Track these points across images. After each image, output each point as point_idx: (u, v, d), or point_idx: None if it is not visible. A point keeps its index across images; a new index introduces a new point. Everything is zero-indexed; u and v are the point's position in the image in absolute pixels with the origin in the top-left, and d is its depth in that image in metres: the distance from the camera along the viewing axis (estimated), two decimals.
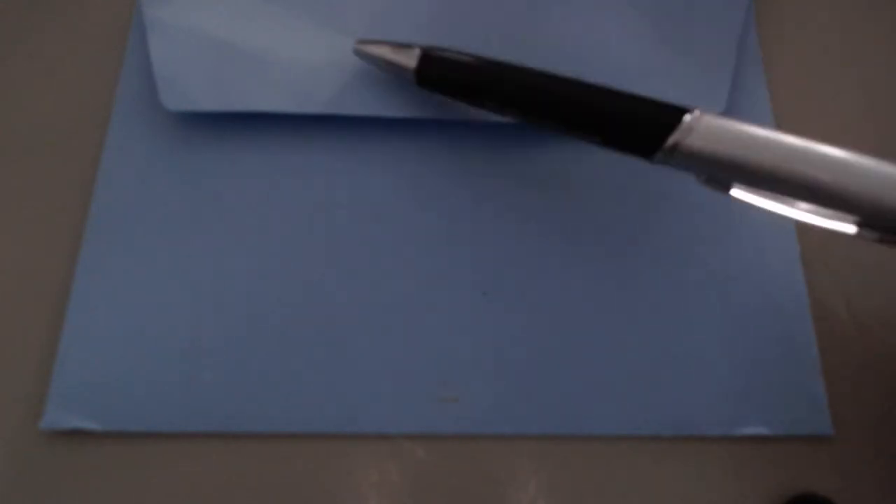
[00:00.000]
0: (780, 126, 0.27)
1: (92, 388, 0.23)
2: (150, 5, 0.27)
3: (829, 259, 0.25)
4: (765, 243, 0.25)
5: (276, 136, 0.26)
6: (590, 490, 0.22)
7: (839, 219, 0.19)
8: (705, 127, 0.19)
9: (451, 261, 0.25)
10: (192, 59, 0.26)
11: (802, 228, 0.25)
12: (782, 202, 0.19)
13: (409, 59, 0.24)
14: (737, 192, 0.20)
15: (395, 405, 0.23)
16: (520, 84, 0.23)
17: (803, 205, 0.19)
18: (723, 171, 0.20)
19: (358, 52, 0.25)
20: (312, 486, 0.22)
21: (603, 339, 0.24)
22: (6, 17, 0.28)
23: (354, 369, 0.23)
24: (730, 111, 0.26)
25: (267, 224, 0.25)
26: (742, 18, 0.27)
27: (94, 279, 0.24)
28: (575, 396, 0.23)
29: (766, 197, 0.20)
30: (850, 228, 0.19)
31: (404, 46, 0.24)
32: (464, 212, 0.25)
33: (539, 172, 0.26)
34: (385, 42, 0.25)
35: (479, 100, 0.24)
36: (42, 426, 0.22)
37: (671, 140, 0.20)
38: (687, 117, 0.20)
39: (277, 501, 0.22)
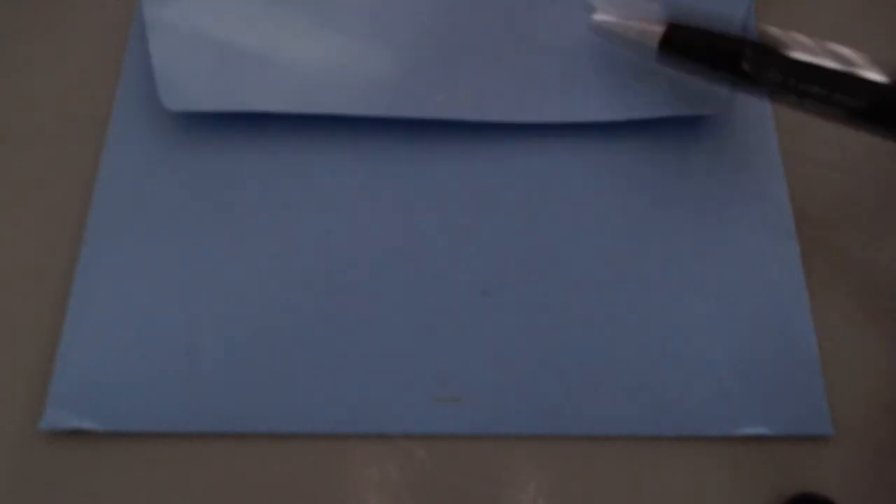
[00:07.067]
0: (778, 130, 0.27)
1: (92, 388, 0.23)
2: (150, 5, 0.27)
3: (828, 259, 0.25)
4: (765, 244, 0.25)
5: (277, 136, 0.26)
6: (589, 490, 0.22)
7: None
8: None
9: (452, 261, 0.25)
10: (192, 60, 0.26)
11: (802, 229, 0.25)
12: None
13: (654, 28, 0.24)
14: None
15: (395, 405, 0.23)
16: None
17: None
18: None
19: (597, 28, 0.25)
20: (312, 486, 0.22)
21: (603, 339, 0.24)
22: (7, 18, 0.28)
23: (354, 369, 0.23)
24: (730, 111, 0.26)
25: (267, 224, 0.25)
26: (742, 18, 0.27)
27: (94, 279, 0.24)
28: (575, 396, 0.23)
29: None
30: None
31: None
32: (464, 212, 0.25)
33: (540, 173, 0.26)
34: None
35: (723, 67, 0.24)
36: (42, 426, 0.22)
37: None
38: None
39: (277, 501, 0.22)
